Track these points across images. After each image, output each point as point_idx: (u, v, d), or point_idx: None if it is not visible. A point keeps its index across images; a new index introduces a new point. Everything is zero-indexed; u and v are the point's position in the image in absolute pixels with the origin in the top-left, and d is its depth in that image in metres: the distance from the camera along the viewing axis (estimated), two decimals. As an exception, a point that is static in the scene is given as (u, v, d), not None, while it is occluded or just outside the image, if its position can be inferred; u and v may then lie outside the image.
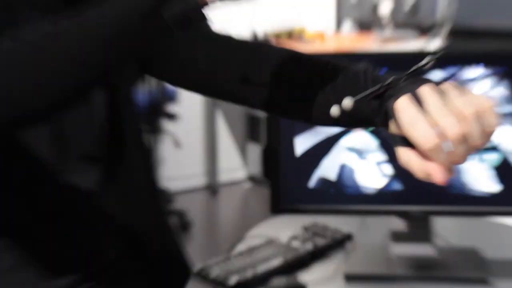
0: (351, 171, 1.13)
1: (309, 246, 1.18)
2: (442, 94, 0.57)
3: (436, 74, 1.08)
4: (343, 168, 1.14)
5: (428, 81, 0.61)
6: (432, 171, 0.56)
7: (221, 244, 3.00)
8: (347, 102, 0.59)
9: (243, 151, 3.92)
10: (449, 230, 1.29)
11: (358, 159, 1.12)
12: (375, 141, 1.12)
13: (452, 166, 0.56)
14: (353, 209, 1.14)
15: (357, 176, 1.13)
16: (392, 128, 0.60)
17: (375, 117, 0.64)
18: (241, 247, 1.21)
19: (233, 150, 3.91)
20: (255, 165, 3.84)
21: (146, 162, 0.80)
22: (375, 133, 1.12)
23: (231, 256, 1.15)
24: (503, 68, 1.07)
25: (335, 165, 1.13)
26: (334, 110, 0.59)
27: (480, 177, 1.10)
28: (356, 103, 0.60)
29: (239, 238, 1.26)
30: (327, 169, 1.14)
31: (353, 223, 1.32)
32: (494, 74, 1.07)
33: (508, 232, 1.30)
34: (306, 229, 1.27)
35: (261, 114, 3.77)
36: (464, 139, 0.55)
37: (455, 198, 1.11)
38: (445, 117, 0.55)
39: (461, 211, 1.12)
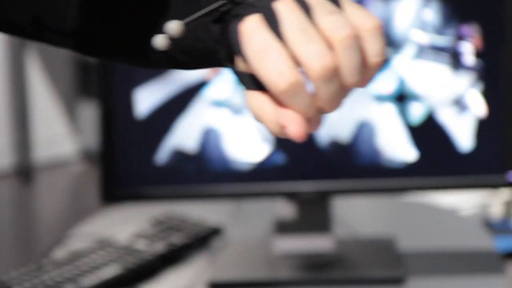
0: (218, 137, 1.20)
1: (159, 247, 1.25)
2: (308, 11, 0.59)
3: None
4: (207, 133, 1.20)
5: None
6: (286, 122, 0.58)
7: (37, 251, 3.01)
8: (173, 27, 0.61)
9: (71, 114, 3.90)
10: (353, 215, 1.40)
11: (230, 118, 1.18)
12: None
13: (317, 114, 0.59)
14: (222, 191, 1.22)
15: (227, 145, 1.20)
16: (239, 63, 0.63)
17: (218, 49, 0.66)
18: (60, 252, 1.25)
19: (56, 113, 3.88)
20: (90, 135, 3.83)
21: None
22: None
23: (44, 265, 1.19)
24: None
25: (195, 129, 1.20)
26: (159, 41, 0.62)
27: (396, 140, 1.20)
28: (187, 28, 0.61)
29: (57, 239, 1.29)
30: (184, 136, 1.20)
31: (223, 211, 1.40)
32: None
33: (431, 215, 1.42)
34: (155, 223, 1.33)
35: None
36: (332, 74, 0.57)
37: (360, 170, 1.21)
38: (306, 44, 0.57)
39: (367, 188, 1.22)
